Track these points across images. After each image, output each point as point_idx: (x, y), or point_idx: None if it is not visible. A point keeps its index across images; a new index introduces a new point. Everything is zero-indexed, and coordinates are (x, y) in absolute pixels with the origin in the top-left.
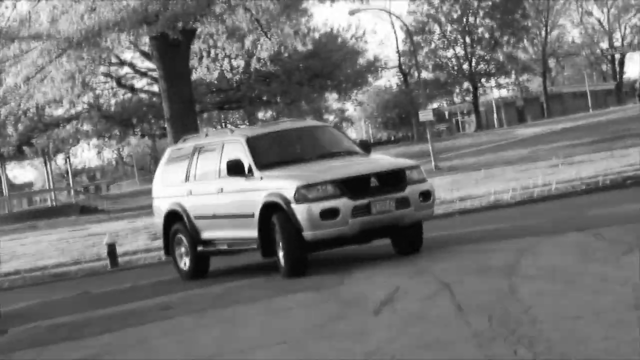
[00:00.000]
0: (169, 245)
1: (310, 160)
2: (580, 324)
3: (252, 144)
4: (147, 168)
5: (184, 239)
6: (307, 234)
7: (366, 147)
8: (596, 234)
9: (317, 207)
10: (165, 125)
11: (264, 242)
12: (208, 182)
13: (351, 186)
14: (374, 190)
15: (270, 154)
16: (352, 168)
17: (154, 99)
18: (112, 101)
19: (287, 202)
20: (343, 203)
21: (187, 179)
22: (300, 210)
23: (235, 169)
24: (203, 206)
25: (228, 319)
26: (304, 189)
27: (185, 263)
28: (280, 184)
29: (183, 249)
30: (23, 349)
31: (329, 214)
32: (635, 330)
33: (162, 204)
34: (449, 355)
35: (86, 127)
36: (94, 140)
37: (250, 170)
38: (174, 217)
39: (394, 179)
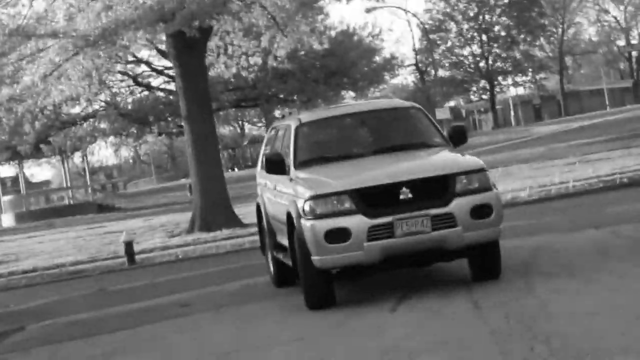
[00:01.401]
0: (261, 243)
1: (363, 156)
2: (597, 320)
3: (302, 132)
4: (164, 166)
5: (266, 239)
6: (315, 259)
7: (459, 135)
8: (614, 231)
9: (322, 226)
10: (182, 124)
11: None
12: (276, 175)
13: (371, 198)
14: (403, 205)
15: (317, 146)
16: (379, 172)
17: (171, 97)
18: (129, 99)
19: (298, 216)
20: (356, 222)
21: (261, 166)
22: (307, 229)
23: (272, 165)
24: (270, 203)
25: (244, 316)
26: (312, 201)
27: (270, 267)
28: (300, 190)
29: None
30: (39, 346)
31: (337, 235)
32: None
33: (258, 192)
34: (465, 353)
35: (103, 125)
36: (111, 139)
37: (289, 167)
38: (259, 212)
39: (434, 189)
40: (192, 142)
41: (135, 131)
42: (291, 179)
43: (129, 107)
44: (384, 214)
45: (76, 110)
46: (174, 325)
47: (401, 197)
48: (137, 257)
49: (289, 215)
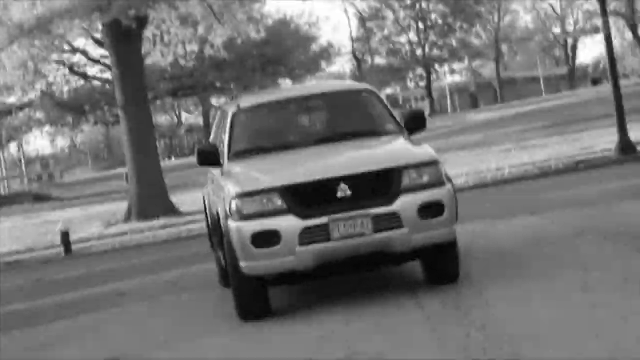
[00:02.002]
0: (209, 237)
1: (304, 146)
2: (532, 306)
3: (240, 119)
4: (101, 155)
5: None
6: (243, 265)
7: (416, 121)
8: (549, 217)
9: (250, 228)
10: (119, 113)
11: (221, 266)
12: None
13: (304, 196)
14: (341, 203)
15: (255, 134)
16: (314, 166)
17: (107, 86)
18: (65, 89)
19: (226, 217)
20: (287, 223)
21: None
22: (233, 231)
23: (203, 157)
24: (210, 199)
25: (181, 306)
26: (239, 200)
27: (216, 266)
28: (228, 187)
29: None
30: None
31: (265, 239)
32: (586, 313)
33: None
34: (401, 338)
35: (39, 114)
36: (47, 128)
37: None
38: (205, 205)
39: (377, 185)
40: (128, 131)
41: (71, 121)
42: (222, 173)
43: (65, 96)
44: (318, 214)
45: (12, 100)
46: (111, 314)
47: (339, 194)
48: (73, 246)
49: (218, 215)
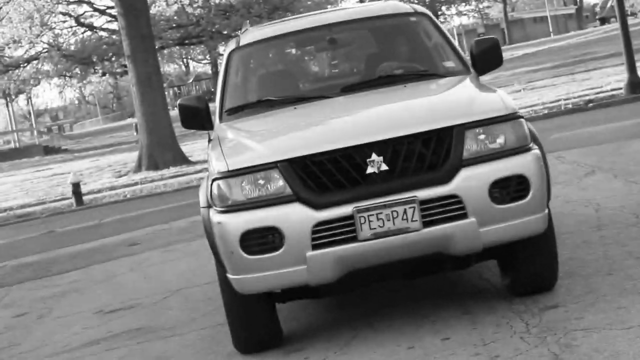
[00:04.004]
0: None
1: (326, 97)
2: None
3: (238, 61)
4: (110, 106)
5: None
6: (232, 279)
7: (487, 56)
8: (559, 156)
9: (238, 224)
10: (126, 63)
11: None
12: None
13: (320, 175)
14: (374, 184)
15: (259, 82)
16: (333, 128)
17: (114, 36)
18: (72, 40)
19: (207, 207)
20: (293, 216)
21: None
22: (216, 228)
23: (187, 116)
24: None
25: (193, 253)
26: (224, 182)
27: None
28: (212, 161)
29: None
30: None
31: (261, 240)
32: (599, 250)
33: None
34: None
35: (47, 67)
36: (55, 80)
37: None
38: None
39: (427, 155)
40: (137, 81)
41: (79, 72)
42: (210, 140)
43: (72, 48)
44: (339, 202)
45: (19, 52)
46: (124, 264)
47: (369, 170)
48: (85, 198)
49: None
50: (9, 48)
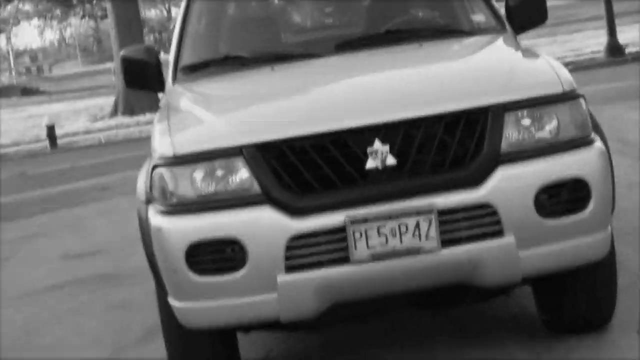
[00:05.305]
0: None
1: (316, 56)
2: None
3: (199, 3)
4: (89, 49)
5: None
6: (175, 307)
7: (526, 10)
8: None
9: (183, 232)
10: (106, 6)
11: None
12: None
13: (299, 168)
14: (375, 183)
15: (225, 32)
16: (321, 100)
17: None
18: None
19: (145, 203)
20: (260, 224)
21: None
22: (157, 238)
23: (130, 72)
24: None
25: None
26: (167, 170)
27: None
28: (155, 140)
29: None
30: None
31: (215, 255)
32: None
33: None
34: None
35: (27, 7)
36: (35, 21)
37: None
38: None
39: (448, 144)
40: (116, 25)
41: (59, 13)
42: (159, 108)
43: None
44: (326, 207)
45: None
46: (94, 208)
47: (370, 163)
48: (59, 141)
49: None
50: None
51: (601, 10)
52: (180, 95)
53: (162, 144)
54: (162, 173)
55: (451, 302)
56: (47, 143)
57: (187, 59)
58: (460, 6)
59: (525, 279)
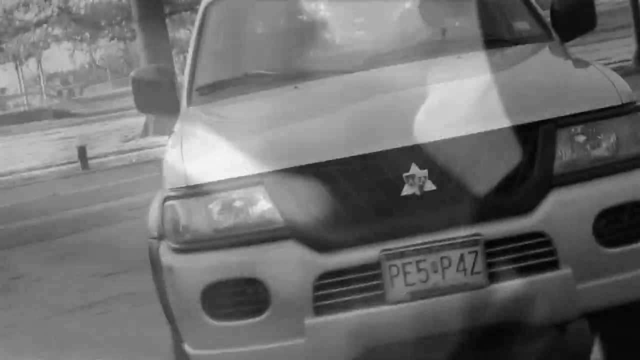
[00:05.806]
0: None
1: (346, 72)
2: None
3: (216, 18)
4: (120, 71)
5: None
6: (192, 354)
7: (575, 17)
8: None
9: (199, 272)
10: (135, 27)
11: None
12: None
13: (331, 196)
14: (412, 213)
15: (246, 48)
16: (350, 123)
17: (123, 0)
18: (82, 4)
19: (157, 240)
20: (284, 259)
21: None
22: (169, 279)
23: (141, 94)
24: None
25: None
26: (179, 203)
27: None
28: (164, 170)
29: None
30: None
31: (234, 298)
32: None
33: None
34: None
35: (56, 31)
36: (65, 44)
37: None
38: None
39: (495, 167)
40: (145, 46)
41: (88, 36)
42: (172, 134)
43: (82, 11)
44: (358, 241)
45: (29, 16)
46: (124, 228)
47: (406, 190)
48: (91, 162)
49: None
50: (19, 11)
51: (630, 18)
52: (195, 119)
53: (175, 174)
54: (175, 206)
55: (500, 342)
56: (78, 164)
57: (202, 79)
58: (500, 13)
59: (584, 315)
